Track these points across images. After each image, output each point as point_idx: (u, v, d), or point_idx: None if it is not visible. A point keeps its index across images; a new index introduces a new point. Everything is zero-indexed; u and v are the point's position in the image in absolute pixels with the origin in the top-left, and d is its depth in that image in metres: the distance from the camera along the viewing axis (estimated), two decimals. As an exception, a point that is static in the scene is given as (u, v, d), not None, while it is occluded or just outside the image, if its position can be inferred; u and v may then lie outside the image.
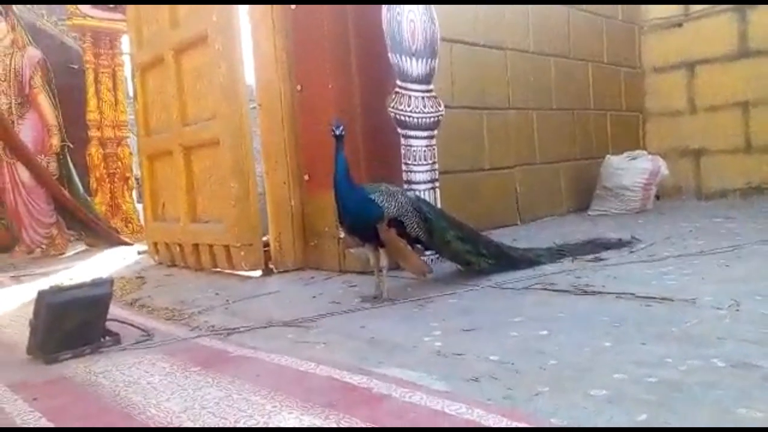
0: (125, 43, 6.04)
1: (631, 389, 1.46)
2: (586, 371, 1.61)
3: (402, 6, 3.25)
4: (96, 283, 2.32)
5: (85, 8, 6.19)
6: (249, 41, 3.75)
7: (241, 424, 1.44)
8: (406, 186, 3.22)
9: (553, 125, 5.12)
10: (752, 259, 2.84)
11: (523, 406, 1.42)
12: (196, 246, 4.00)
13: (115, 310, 2.85)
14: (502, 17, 4.66)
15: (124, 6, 5.01)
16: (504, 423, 1.31)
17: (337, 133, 2.59)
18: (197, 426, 1.46)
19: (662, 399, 1.39)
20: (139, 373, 1.94)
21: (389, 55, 3.17)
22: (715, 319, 1.97)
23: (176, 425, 1.48)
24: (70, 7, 6.19)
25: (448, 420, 1.37)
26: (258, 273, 3.63)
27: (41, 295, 2.18)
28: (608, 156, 5.21)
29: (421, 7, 3.38)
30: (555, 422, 1.31)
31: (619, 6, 5.83)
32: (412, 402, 1.48)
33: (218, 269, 3.84)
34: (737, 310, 2.03)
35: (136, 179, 6.29)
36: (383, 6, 3.16)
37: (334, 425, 1.38)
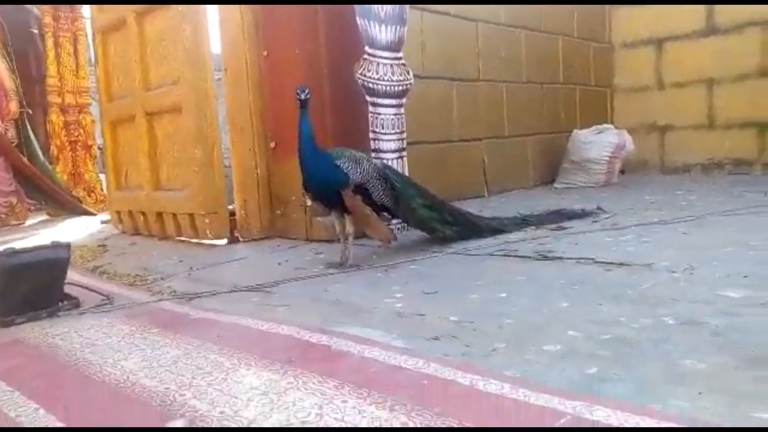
0: (86, 6, 5.82)
1: (585, 345, 1.49)
2: (542, 329, 1.64)
3: (371, -30, 3.20)
4: (53, 246, 2.27)
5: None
6: (214, 6, 3.66)
7: (198, 380, 1.43)
8: (373, 154, 3.20)
9: (523, 98, 5.14)
10: (710, 228, 2.92)
11: (479, 361, 1.45)
12: (160, 214, 3.93)
13: (75, 276, 2.81)
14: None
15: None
16: (459, 375, 1.33)
17: (302, 97, 2.55)
18: (155, 383, 1.45)
19: (614, 354, 1.43)
20: (97, 335, 1.91)
21: (357, 19, 3.13)
22: (670, 281, 2.03)
23: (132, 382, 1.47)
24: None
25: (405, 374, 1.38)
26: (224, 241, 3.59)
27: (-5, 257, 2.13)
28: (575, 130, 5.26)
29: (390, -28, 3.33)
30: (509, 374, 1.33)
31: (590, -20, 5.84)
32: (370, 358, 1.49)
33: (183, 238, 3.79)
34: (691, 274, 2.08)
35: (99, 148, 6.12)
36: (351, -31, 3.10)
37: (291, 380, 1.38)
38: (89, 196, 6.39)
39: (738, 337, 1.47)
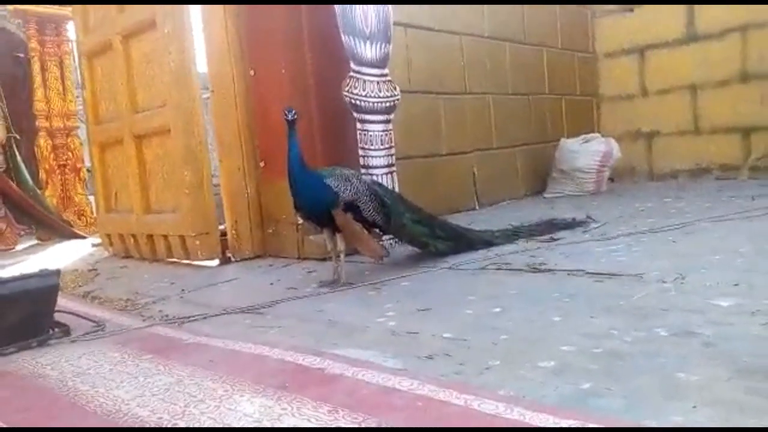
0: (72, 29, 5.82)
1: (578, 360, 1.50)
2: (535, 344, 1.65)
3: (355, -11, 3.23)
4: (42, 275, 2.25)
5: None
6: (200, 25, 3.67)
7: (191, 408, 1.42)
8: (363, 171, 3.21)
9: (509, 110, 5.18)
10: (698, 235, 2.94)
11: (473, 380, 1.45)
12: (150, 237, 3.91)
13: (66, 302, 2.79)
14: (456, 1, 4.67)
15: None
16: (453, 396, 1.33)
17: (289, 117, 2.56)
18: (147, 413, 1.43)
19: (606, 368, 1.43)
20: (88, 363, 1.89)
21: (343, 37, 3.15)
22: (660, 292, 2.03)
23: (124, 412, 1.45)
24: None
25: (400, 396, 1.38)
26: (215, 262, 3.57)
27: (-17, 287, 2.11)
28: (563, 139, 5.30)
29: (374, -10, 3.36)
30: (503, 393, 1.33)
31: (571, -9, 5.92)
32: (364, 380, 1.49)
33: (174, 260, 3.77)
34: (682, 283, 2.09)
35: (88, 170, 6.10)
36: (336, -11, 3.13)
37: (286, 406, 1.38)
38: (79, 219, 6.36)
39: (729, 347, 1.47)
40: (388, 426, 1.22)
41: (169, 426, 1.34)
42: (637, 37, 5.87)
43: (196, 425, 1.33)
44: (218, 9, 3.56)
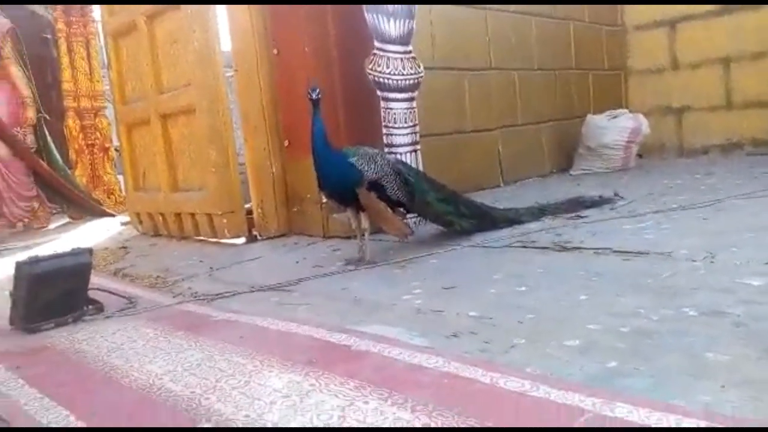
0: (97, 10, 5.86)
1: (604, 338, 1.49)
2: (561, 323, 1.64)
3: (378, -36, 3.19)
4: (75, 253, 2.31)
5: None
6: (223, 5, 3.67)
7: (222, 383, 1.46)
8: (387, 149, 3.20)
9: (535, 86, 5.10)
10: (730, 213, 2.88)
11: (499, 358, 1.46)
12: (178, 215, 3.98)
13: (98, 279, 2.85)
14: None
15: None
16: (479, 373, 1.34)
17: (314, 97, 2.56)
18: (180, 387, 1.47)
19: (633, 347, 1.42)
20: (122, 339, 1.95)
21: (366, 14, 3.12)
22: (689, 270, 2.01)
23: (158, 386, 1.50)
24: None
25: (426, 373, 1.39)
26: (242, 240, 3.62)
27: (19, 266, 2.18)
28: (589, 115, 5.20)
29: (397, -35, 3.31)
30: (529, 371, 1.34)
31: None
32: (390, 357, 1.51)
33: (202, 238, 3.83)
34: (712, 262, 2.06)
35: (116, 149, 6.19)
36: (359, -36, 3.09)
37: (314, 381, 1.40)
38: (108, 197, 6.48)
39: (760, 326, 1.45)
40: (416, 403, 1.23)
41: (202, 399, 1.38)
42: (668, 9, 5.69)
43: (227, 399, 1.37)
44: (242, -13, 3.55)
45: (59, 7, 6.20)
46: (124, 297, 2.46)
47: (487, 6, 4.63)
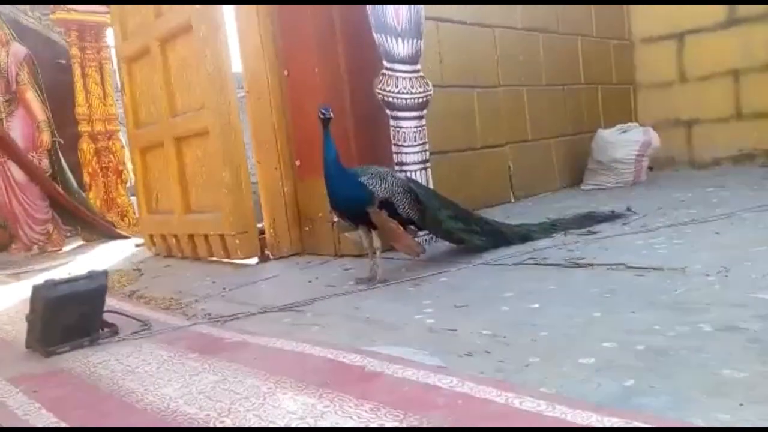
0: (111, 35, 5.98)
1: (620, 356, 1.48)
2: (575, 341, 1.64)
3: (386, -14, 3.23)
4: (90, 276, 2.33)
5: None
6: (234, 28, 3.73)
7: (236, 406, 1.46)
8: (397, 167, 3.22)
9: (544, 101, 5.11)
10: (743, 226, 2.86)
11: (513, 377, 1.45)
12: (191, 236, 4.01)
13: (112, 302, 2.88)
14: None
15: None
16: (494, 394, 1.33)
17: (326, 116, 2.58)
18: (194, 410, 1.48)
19: (649, 364, 1.41)
20: (136, 362, 1.96)
21: (374, 35, 3.16)
22: (704, 285, 2.00)
23: (173, 410, 1.50)
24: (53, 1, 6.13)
25: (440, 393, 1.39)
26: (254, 260, 3.64)
27: (36, 290, 2.20)
28: (599, 130, 5.21)
29: (405, -14, 3.35)
30: (544, 391, 1.33)
31: (606, -22, 5.79)
32: (404, 378, 1.51)
33: (215, 258, 3.86)
34: (726, 276, 2.05)
35: (130, 172, 6.27)
36: (367, -13, 3.14)
37: (328, 403, 1.40)
38: (122, 220, 6.54)
39: (777, 342, 1.44)
40: (431, 425, 1.23)
41: (217, 422, 1.38)
42: (675, 23, 5.71)
43: (242, 422, 1.37)
44: (252, 11, 3.61)
45: (73, 33, 6.32)
46: (138, 320, 2.47)
47: (495, 24, 4.66)
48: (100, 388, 1.77)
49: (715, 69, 5.51)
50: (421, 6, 3.45)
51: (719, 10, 5.41)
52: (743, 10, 5.30)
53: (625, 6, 5.99)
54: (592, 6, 5.63)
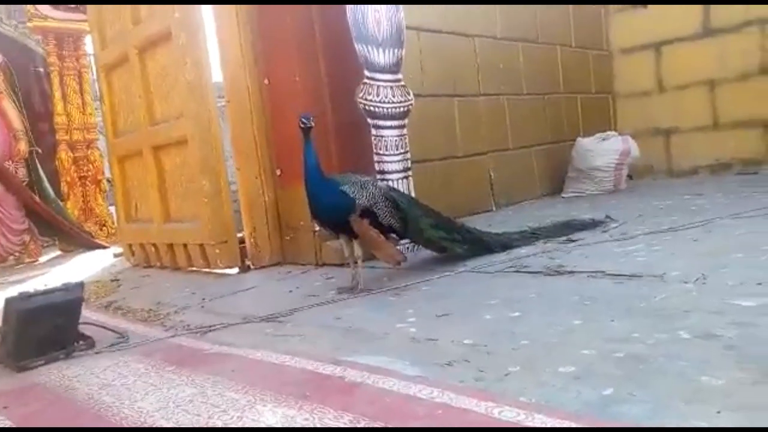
0: (89, 43, 5.92)
1: (599, 364, 1.49)
2: (556, 349, 1.64)
3: (366, -5, 3.24)
4: (66, 288, 2.29)
5: (45, 9, 6.05)
6: (214, 37, 3.71)
7: (214, 420, 1.44)
8: (378, 176, 3.22)
9: (525, 110, 5.16)
10: (720, 234, 2.90)
11: (493, 386, 1.44)
12: (170, 246, 3.96)
13: (89, 313, 2.84)
14: (468, 3, 4.65)
15: (85, 5, 4.91)
16: (474, 404, 1.33)
17: (307, 125, 2.57)
18: (171, 424, 1.45)
19: (628, 372, 1.42)
20: (113, 376, 1.92)
21: (355, 45, 3.16)
22: (682, 292, 2.01)
23: (149, 425, 1.47)
24: (30, 8, 6.05)
25: (421, 404, 1.38)
26: (235, 270, 3.61)
27: (9, 302, 2.15)
28: (579, 138, 5.26)
29: (385, -5, 3.37)
30: (524, 400, 1.33)
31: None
32: (384, 388, 1.49)
33: (195, 268, 3.82)
34: (703, 283, 2.07)
35: (108, 181, 6.19)
36: (347, -4, 3.15)
37: (308, 416, 1.39)
38: (101, 229, 6.46)
39: (754, 349, 1.45)
40: (410, 435, 1.22)
41: (194, 437, 1.36)
42: (652, 33, 5.81)
43: (220, 436, 1.35)
44: (232, 19, 3.60)
45: (51, 40, 6.25)
46: (115, 331, 2.43)
47: (475, 34, 4.70)
48: (75, 402, 1.73)
49: (691, 79, 5.61)
50: (402, 14, 3.47)
51: (695, 21, 5.52)
52: (718, 21, 5.40)
53: (603, 15, 6.08)
54: (571, 16, 5.70)
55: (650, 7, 5.81)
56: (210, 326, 2.39)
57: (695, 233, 2.95)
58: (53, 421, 1.61)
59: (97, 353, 2.23)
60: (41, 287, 2.41)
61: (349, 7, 3.14)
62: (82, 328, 2.35)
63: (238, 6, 3.58)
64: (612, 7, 6.07)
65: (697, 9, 5.50)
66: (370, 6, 3.25)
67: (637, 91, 6.01)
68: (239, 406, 1.51)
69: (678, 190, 4.73)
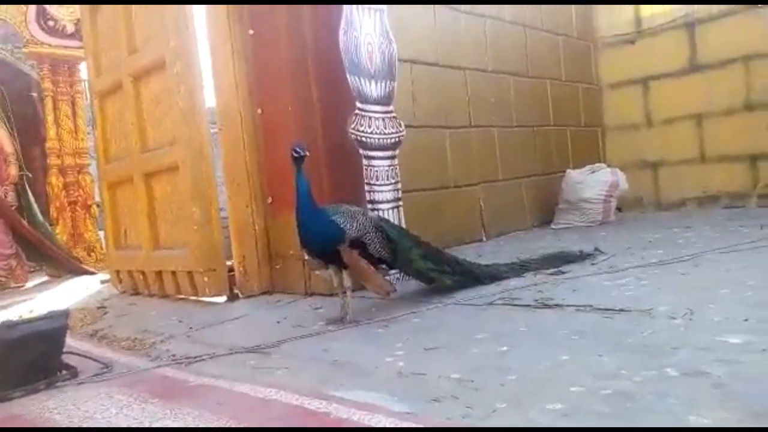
0: (84, 70, 5.95)
1: (587, 402, 1.48)
2: (543, 385, 1.63)
3: (359, 27, 3.29)
4: (50, 316, 2.27)
5: (40, 36, 6.09)
6: (208, 66, 3.75)
7: (196, 456, 1.41)
8: (369, 206, 3.23)
9: (515, 142, 5.21)
10: (707, 268, 2.91)
11: (480, 423, 1.43)
12: (159, 273, 3.93)
13: (74, 342, 2.80)
14: (460, 36, 4.74)
15: (81, 33, 4.95)
16: (460, 442, 1.31)
17: (300, 154, 2.59)
18: (152, 460, 1.43)
19: (615, 410, 1.41)
20: (95, 407, 1.89)
21: (348, 77, 3.20)
22: (669, 328, 2.01)
23: (130, 460, 1.45)
24: (26, 35, 6.09)
25: (406, 441, 1.36)
26: (223, 298, 3.58)
27: (-8, 330, 2.12)
28: (569, 170, 5.31)
29: (378, 28, 3.42)
30: (511, 439, 1.32)
31: (573, 22, 6.00)
32: (370, 425, 1.48)
33: (183, 296, 3.78)
34: (691, 319, 2.07)
35: (98, 206, 6.17)
36: (340, 28, 3.19)
37: (291, 452, 1.37)
38: (89, 255, 6.40)
39: (740, 388, 1.45)
40: (395, 474, 1.20)
41: (175, 474, 1.33)
42: (640, 68, 5.92)
43: (202, 473, 1.32)
44: (226, 49, 3.63)
45: (47, 66, 6.28)
46: (99, 362, 2.39)
47: (466, 67, 4.77)
48: (55, 435, 1.70)
49: (679, 113, 5.70)
50: (395, 47, 3.52)
51: (682, 57, 5.63)
52: (704, 57, 5.52)
53: (592, 51, 6.20)
54: (561, 50, 5.81)
55: (638, 42, 5.93)
56: (196, 357, 2.36)
57: (683, 267, 2.96)
58: (31, 455, 1.58)
59: (79, 383, 2.19)
60: (26, 314, 2.38)
61: (342, 38, 3.19)
62: (66, 358, 2.32)
63: (233, 36, 3.62)
64: (601, 43, 6.20)
65: (684, 45, 5.62)
66: (362, 37, 3.30)
67: (626, 124, 6.10)
68: (222, 441, 1.48)
69: (666, 222, 4.78)
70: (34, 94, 6.57)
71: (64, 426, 1.75)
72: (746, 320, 1.97)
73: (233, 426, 1.57)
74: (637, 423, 1.33)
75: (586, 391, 1.55)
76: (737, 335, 1.83)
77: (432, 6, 4.52)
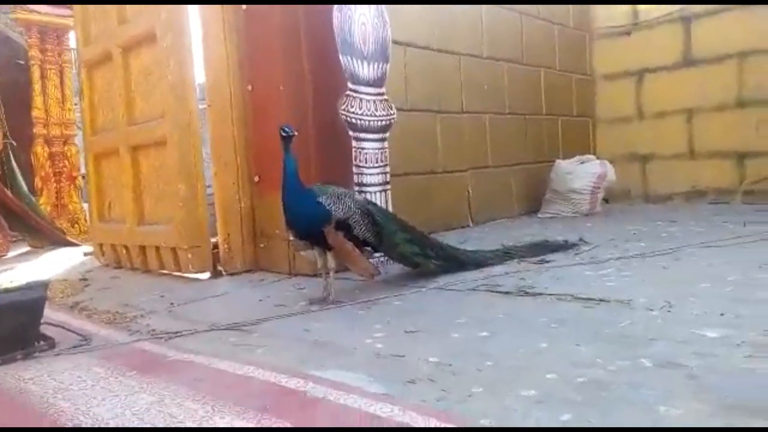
0: (73, 38, 5.85)
1: (561, 389, 1.49)
2: (520, 372, 1.64)
3: (353, 7, 3.25)
4: (30, 287, 2.24)
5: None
6: (199, 40, 3.69)
7: (170, 431, 1.41)
8: (357, 188, 3.22)
9: (506, 130, 5.21)
10: (688, 261, 2.94)
11: (455, 407, 1.44)
12: (143, 248, 3.91)
13: (54, 314, 2.78)
14: (456, 20, 4.70)
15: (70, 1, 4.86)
16: (434, 424, 1.32)
17: (288, 134, 2.57)
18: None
19: (588, 399, 1.42)
20: (71, 379, 1.88)
21: (340, 57, 3.17)
22: (648, 320, 2.03)
23: (103, 432, 1.44)
24: (14, 0, 5.98)
25: (380, 423, 1.37)
26: (206, 275, 3.56)
27: (-32, 299, 2.10)
28: (558, 160, 5.32)
29: (372, 8, 3.38)
30: (484, 423, 1.33)
31: (570, 12, 5.97)
32: (346, 405, 1.48)
33: (166, 271, 3.76)
34: (669, 311, 2.09)
35: (83, 177, 6.10)
36: (334, 7, 3.15)
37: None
38: (73, 227, 6.35)
39: (714, 380, 1.47)
40: (367, 454, 1.21)
41: (148, 448, 1.33)
42: (634, 60, 5.93)
43: (175, 448, 1.32)
44: (218, 24, 3.58)
45: (35, 33, 6.17)
46: (78, 334, 2.38)
47: (461, 52, 4.74)
48: (29, 406, 1.68)
49: (671, 107, 5.73)
50: (389, 29, 3.48)
51: (677, 51, 5.64)
52: (699, 52, 5.53)
53: (587, 42, 6.18)
54: (556, 39, 5.79)
55: (634, 35, 5.93)
56: (176, 332, 2.36)
57: (665, 260, 2.99)
58: (5, 423, 1.57)
59: (57, 355, 2.18)
60: (6, 284, 2.35)
61: (335, 17, 3.15)
62: (44, 329, 2.30)
63: (225, 11, 3.57)
64: (596, 33, 6.18)
65: (679, 39, 5.63)
66: (356, 17, 3.27)
67: (618, 116, 6.11)
68: (197, 416, 1.48)
69: (652, 215, 4.81)
70: (22, 62, 6.45)
71: (38, 396, 1.74)
72: (722, 315, 1.99)
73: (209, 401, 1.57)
74: (609, 412, 1.34)
75: (560, 379, 1.56)
76: (714, 329, 1.85)
77: (428, -12, 4.47)
